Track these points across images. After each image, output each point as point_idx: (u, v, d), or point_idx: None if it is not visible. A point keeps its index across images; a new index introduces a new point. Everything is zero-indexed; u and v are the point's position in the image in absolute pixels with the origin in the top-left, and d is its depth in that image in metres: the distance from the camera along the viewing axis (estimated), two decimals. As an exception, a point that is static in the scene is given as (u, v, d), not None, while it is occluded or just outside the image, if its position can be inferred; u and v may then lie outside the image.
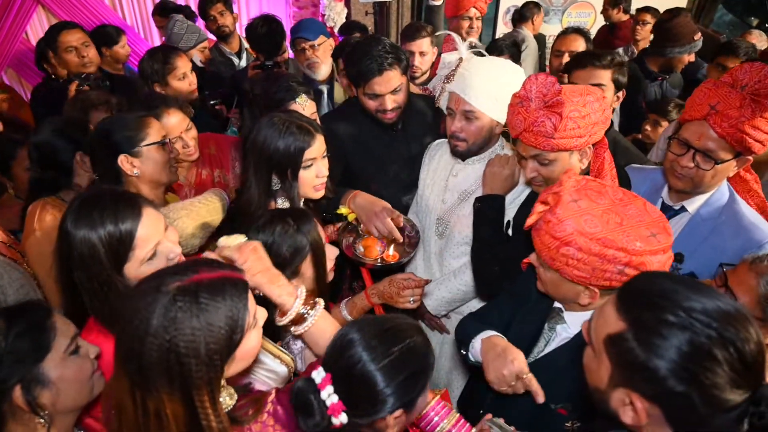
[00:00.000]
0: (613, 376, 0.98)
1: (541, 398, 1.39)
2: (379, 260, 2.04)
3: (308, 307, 1.41)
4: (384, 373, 1.10)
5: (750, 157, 1.64)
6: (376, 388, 1.10)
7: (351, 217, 2.07)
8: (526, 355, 1.57)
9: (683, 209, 1.77)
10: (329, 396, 1.11)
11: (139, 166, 1.88)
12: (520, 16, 4.76)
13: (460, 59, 2.05)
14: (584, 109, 1.59)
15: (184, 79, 2.80)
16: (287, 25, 5.24)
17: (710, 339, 0.87)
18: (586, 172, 1.76)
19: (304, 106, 2.13)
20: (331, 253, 1.68)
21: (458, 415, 1.45)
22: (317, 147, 1.80)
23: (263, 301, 1.34)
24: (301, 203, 1.91)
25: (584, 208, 1.28)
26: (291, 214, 1.61)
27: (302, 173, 1.80)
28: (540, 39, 4.83)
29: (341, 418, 1.11)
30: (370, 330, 1.15)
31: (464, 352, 1.63)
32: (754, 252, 1.46)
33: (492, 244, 1.94)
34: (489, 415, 1.48)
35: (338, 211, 2.06)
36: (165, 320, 0.98)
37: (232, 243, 1.39)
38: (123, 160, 1.86)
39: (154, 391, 1.00)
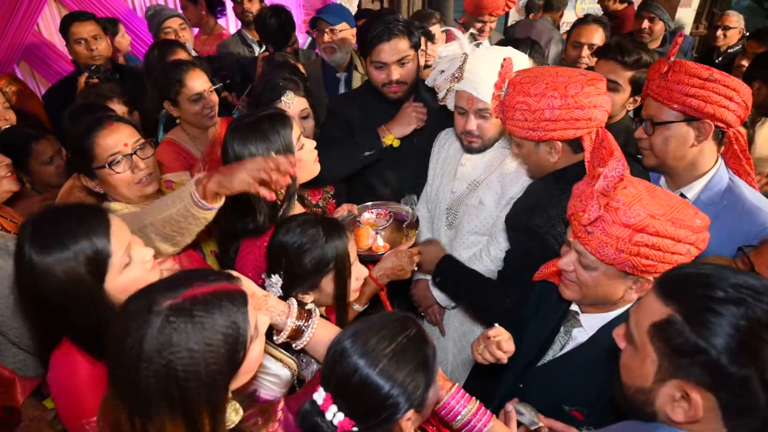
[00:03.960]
0: (661, 369, 0.92)
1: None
2: (367, 250, 1.97)
3: (302, 320, 1.37)
4: (384, 375, 1.04)
5: (708, 122, 1.61)
6: (380, 393, 1.03)
7: (394, 143, 2.32)
8: (541, 357, 1.53)
9: (682, 196, 1.72)
10: (334, 416, 1.05)
11: (100, 186, 1.75)
12: (548, 6, 4.73)
13: (465, 56, 1.95)
14: (537, 104, 1.55)
15: None
16: (297, 15, 5.22)
17: (766, 312, 0.83)
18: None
19: (290, 104, 2.11)
20: (360, 273, 1.56)
21: (479, 402, 1.38)
22: (296, 132, 1.73)
23: None
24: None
25: (638, 193, 1.21)
26: (323, 222, 1.50)
27: (298, 154, 1.72)
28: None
29: None
30: (361, 335, 1.09)
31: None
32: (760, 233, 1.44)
33: (480, 295, 1.95)
34: (515, 399, 1.46)
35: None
36: (158, 343, 0.90)
37: None
38: (85, 181, 1.76)
39: (155, 416, 0.93)
